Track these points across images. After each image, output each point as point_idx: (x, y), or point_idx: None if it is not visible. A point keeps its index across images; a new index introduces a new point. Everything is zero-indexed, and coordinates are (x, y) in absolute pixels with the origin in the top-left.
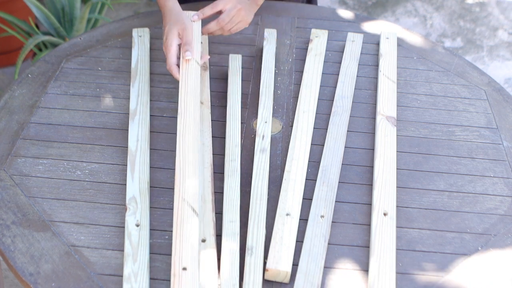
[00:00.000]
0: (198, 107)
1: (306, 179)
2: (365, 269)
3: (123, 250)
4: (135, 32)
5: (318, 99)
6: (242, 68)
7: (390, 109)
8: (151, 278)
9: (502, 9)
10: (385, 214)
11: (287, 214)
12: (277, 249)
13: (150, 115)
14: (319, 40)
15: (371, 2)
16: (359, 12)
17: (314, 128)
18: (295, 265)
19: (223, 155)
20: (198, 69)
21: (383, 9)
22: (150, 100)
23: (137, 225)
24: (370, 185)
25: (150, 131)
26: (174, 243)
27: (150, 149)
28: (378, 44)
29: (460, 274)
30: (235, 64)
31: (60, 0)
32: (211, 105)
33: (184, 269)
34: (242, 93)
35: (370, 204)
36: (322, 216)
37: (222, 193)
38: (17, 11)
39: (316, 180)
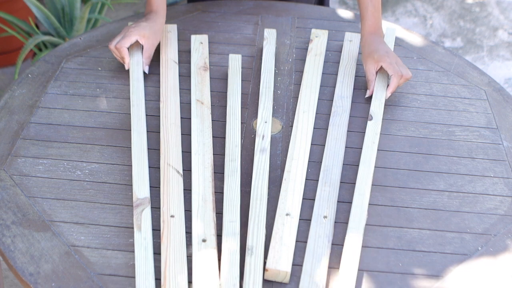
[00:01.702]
0: (178, 97)
1: (306, 179)
2: (367, 269)
3: (123, 250)
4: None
5: (318, 99)
6: (242, 68)
7: (374, 105)
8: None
9: (502, 9)
10: (325, 217)
11: (287, 214)
12: (277, 249)
13: (151, 115)
14: (319, 40)
15: None
16: (359, 12)
17: (314, 128)
18: (295, 265)
19: (223, 155)
20: (176, 67)
21: (383, 9)
22: (151, 101)
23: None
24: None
25: (149, 131)
26: (162, 197)
27: (149, 149)
28: None
29: (460, 274)
30: (235, 64)
31: (60, 0)
32: (211, 105)
33: (172, 216)
34: (242, 93)
35: (371, 203)
36: (325, 217)
37: (222, 193)
38: (17, 11)
39: (317, 180)
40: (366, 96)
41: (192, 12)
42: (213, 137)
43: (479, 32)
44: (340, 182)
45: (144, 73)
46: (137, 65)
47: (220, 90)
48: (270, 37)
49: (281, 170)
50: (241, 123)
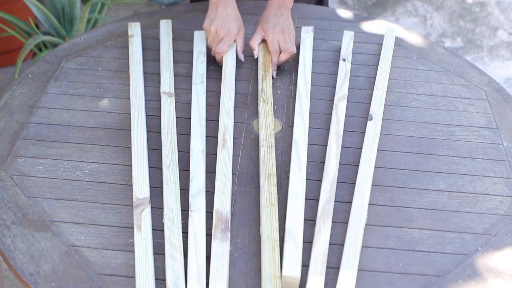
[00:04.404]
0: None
1: (306, 179)
2: (367, 269)
3: (123, 250)
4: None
5: (318, 99)
6: (242, 68)
7: (374, 105)
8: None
9: (502, 9)
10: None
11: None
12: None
13: (151, 115)
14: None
15: (371, 2)
16: (359, 12)
17: (313, 128)
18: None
19: (215, 154)
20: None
21: (383, 9)
22: (151, 101)
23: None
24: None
25: (149, 131)
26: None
27: (149, 149)
28: (378, 44)
29: (460, 274)
30: (232, 45)
31: (60, 0)
32: (210, 105)
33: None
34: (242, 93)
35: (371, 203)
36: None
37: (213, 192)
38: (17, 11)
39: (317, 180)
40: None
41: (192, 12)
42: (211, 137)
43: (479, 32)
44: (340, 182)
45: (145, 73)
46: (137, 65)
47: (219, 90)
48: None
49: (281, 170)
50: (241, 123)
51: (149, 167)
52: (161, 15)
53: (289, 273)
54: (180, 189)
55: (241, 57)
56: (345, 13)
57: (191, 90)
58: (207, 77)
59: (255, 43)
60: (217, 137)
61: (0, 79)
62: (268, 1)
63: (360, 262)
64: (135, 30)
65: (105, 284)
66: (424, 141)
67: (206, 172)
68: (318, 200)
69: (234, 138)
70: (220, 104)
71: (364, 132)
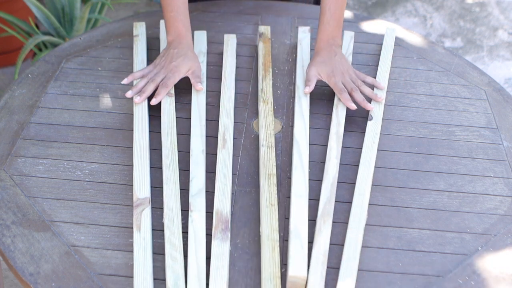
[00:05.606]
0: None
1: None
2: (367, 269)
3: (123, 250)
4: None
5: (318, 99)
6: (242, 68)
7: (374, 106)
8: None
9: (502, 9)
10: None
11: (286, 218)
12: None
13: (153, 115)
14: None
15: (371, 2)
16: (359, 12)
17: (313, 128)
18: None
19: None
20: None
21: (383, 9)
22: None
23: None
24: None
25: (149, 131)
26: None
27: (150, 149)
28: (378, 44)
29: (460, 274)
30: (232, 43)
31: (60, 0)
32: (210, 105)
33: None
34: (242, 93)
35: (371, 203)
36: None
37: (213, 192)
38: (17, 11)
39: (317, 180)
40: (306, 92)
41: (192, 12)
42: (211, 137)
43: (479, 32)
44: (340, 182)
45: None
46: (141, 64)
47: (219, 90)
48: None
49: (281, 170)
50: (241, 123)
51: (150, 167)
52: (161, 15)
53: (296, 273)
54: (180, 189)
55: (198, 87)
56: (345, 13)
57: (191, 90)
58: (207, 77)
59: (310, 87)
60: (217, 137)
61: (0, 79)
62: (317, 41)
63: (360, 262)
64: (140, 30)
65: (105, 284)
66: (424, 141)
67: (206, 172)
68: (318, 200)
69: (234, 138)
70: (220, 104)
71: (364, 132)
